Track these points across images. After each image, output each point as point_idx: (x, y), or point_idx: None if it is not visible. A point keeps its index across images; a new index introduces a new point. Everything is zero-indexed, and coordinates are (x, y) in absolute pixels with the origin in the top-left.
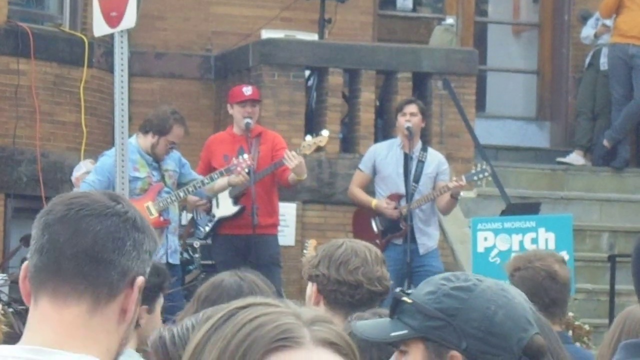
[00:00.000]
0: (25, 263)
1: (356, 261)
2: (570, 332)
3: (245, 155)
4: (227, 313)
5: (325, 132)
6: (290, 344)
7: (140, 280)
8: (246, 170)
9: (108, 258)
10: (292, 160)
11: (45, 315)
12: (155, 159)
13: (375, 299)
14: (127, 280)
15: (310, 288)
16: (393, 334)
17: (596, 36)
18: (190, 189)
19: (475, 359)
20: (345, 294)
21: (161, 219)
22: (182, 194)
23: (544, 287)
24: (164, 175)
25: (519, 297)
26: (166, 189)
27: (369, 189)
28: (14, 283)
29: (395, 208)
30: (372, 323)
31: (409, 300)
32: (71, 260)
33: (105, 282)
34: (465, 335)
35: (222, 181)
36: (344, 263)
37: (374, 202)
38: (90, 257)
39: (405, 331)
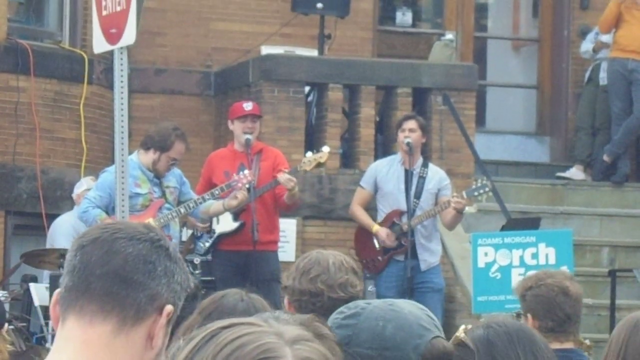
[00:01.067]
0: (58, 289)
1: (317, 269)
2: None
3: (246, 171)
4: (209, 333)
5: (325, 149)
6: None
7: (169, 308)
8: (247, 186)
9: (138, 279)
10: (288, 182)
11: (71, 334)
12: (157, 175)
13: (338, 305)
14: (155, 305)
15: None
16: None
17: (594, 51)
18: (191, 205)
19: None
20: (308, 302)
21: None
22: (182, 210)
23: (558, 302)
24: (165, 192)
25: (409, 307)
26: (167, 205)
27: (371, 205)
28: (14, 300)
29: (394, 239)
30: None
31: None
32: (100, 279)
33: (132, 304)
34: (363, 357)
35: (217, 205)
36: (306, 272)
37: (374, 227)
38: (120, 277)
39: None
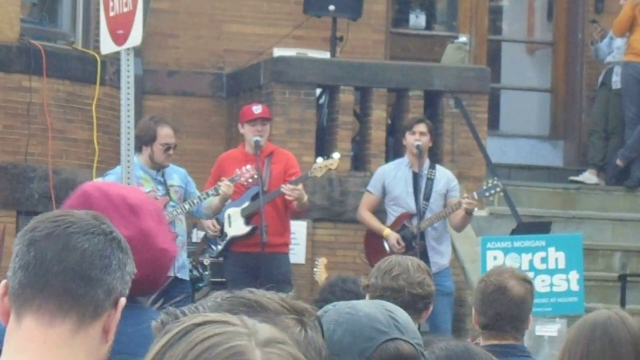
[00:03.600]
0: (4, 281)
1: (398, 269)
2: None
3: (249, 166)
4: (182, 329)
5: (336, 155)
6: None
7: (123, 301)
8: (250, 180)
9: (95, 276)
10: (292, 193)
11: (31, 334)
12: (161, 170)
13: (417, 301)
14: (111, 300)
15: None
16: None
17: (592, 44)
18: (195, 201)
19: None
20: (389, 298)
21: None
22: (187, 207)
23: (491, 300)
24: (169, 190)
25: (369, 309)
26: (172, 203)
27: (379, 208)
28: None
29: (404, 244)
30: None
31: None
32: (58, 276)
33: (91, 301)
34: None
35: (216, 200)
36: (388, 272)
37: (385, 231)
38: (78, 275)
39: None
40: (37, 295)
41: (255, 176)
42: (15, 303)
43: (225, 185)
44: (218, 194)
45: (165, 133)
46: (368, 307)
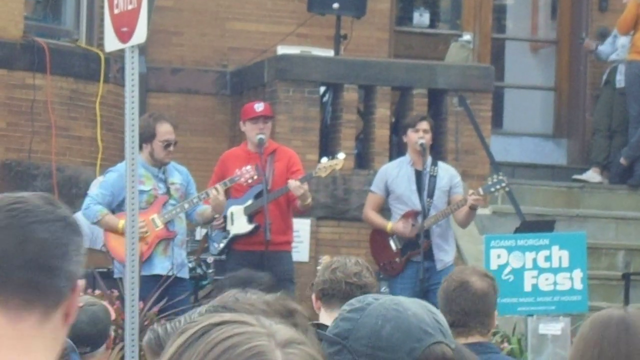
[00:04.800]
0: None
1: (336, 264)
2: None
3: (249, 167)
4: (200, 329)
5: (341, 155)
6: None
7: (81, 283)
8: (250, 180)
9: (56, 265)
10: (297, 191)
11: (0, 330)
12: (162, 168)
13: (355, 290)
14: (71, 286)
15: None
16: None
17: (592, 52)
18: (195, 200)
19: None
20: (329, 289)
21: (167, 230)
22: (186, 206)
23: (454, 297)
24: (169, 188)
25: (415, 308)
26: (172, 201)
27: (384, 207)
28: None
29: (413, 225)
30: None
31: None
32: (20, 269)
33: (54, 290)
34: (357, 354)
35: (208, 209)
36: (328, 267)
37: (389, 225)
38: (39, 266)
39: None
40: (1, 291)
41: (255, 177)
42: None
43: (214, 193)
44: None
45: (164, 130)
46: (414, 306)
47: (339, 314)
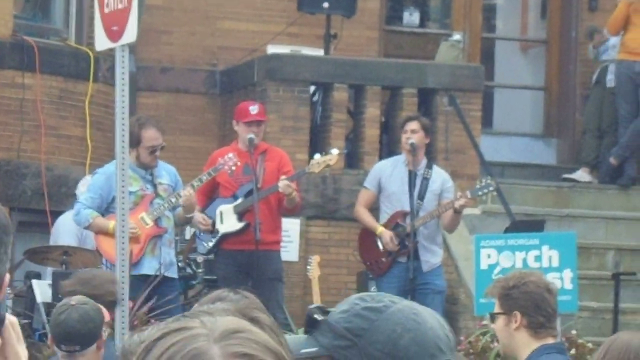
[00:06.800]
0: None
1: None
2: (573, 350)
3: (231, 154)
4: (144, 348)
5: (334, 151)
6: None
7: (7, 277)
8: (233, 168)
9: None
10: (287, 189)
11: None
12: (148, 170)
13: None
14: (1, 284)
15: None
16: (303, 350)
17: (594, 47)
18: (181, 194)
19: None
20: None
21: (157, 227)
22: (173, 200)
23: (545, 298)
24: (157, 188)
25: (432, 321)
26: (158, 200)
27: (375, 206)
28: (17, 297)
29: (397, 243)
30: (291, 338)
31: (320, 318)
32: None
33: None
34: (368, 356)
35: (180, 210)
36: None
37: (379, 229)
38: None
39: (315, 349)
40: None
41: (239, 163)
42: None
43: (186, 193)
44: (202, 184)
45: (149, 136)
46: (431, 319)
47: (349, 306)
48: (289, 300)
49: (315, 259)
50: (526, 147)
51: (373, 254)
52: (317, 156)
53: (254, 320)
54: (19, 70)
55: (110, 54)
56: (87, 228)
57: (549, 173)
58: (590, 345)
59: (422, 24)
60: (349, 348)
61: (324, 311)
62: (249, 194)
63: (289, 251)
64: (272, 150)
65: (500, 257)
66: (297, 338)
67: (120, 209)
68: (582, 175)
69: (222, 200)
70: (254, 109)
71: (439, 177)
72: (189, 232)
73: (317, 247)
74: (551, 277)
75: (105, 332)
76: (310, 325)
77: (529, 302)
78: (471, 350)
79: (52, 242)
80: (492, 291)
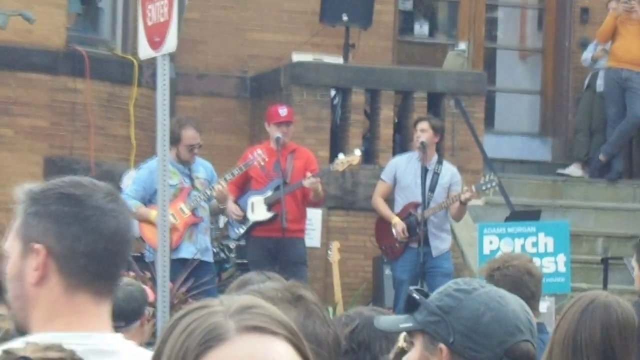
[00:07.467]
0: None
1: None
2: None
3: (259, 150)
4: (170, 325)
5: (357, 152)
6: (214, 343)
7: None
8: (262, 163)
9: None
10: (313, 185)
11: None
12: (186, 165)
13: None
14: None
15: None
16: (401, 325)
17: (594, 59)
18: (213, 188)
19: (460, 353)
20: None
21: (194, 216)
22: (208, 192)
23: (524, 281)
24: (194, 182)
25: (515, 306)
26: (195, 192)
27: (390, 197)
28: None
29: (408, 235)
30: (391, 317)
31: (417, 297)
32: (117, 255)
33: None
34: (454, 331)
35: (214, 201)
36: None
37: (394, 219)
38: (124, 253)
39: (410, 324)
40: (102, 275)
41: (267, 159)
42: None
43: (218, 187)
44: (234, 177)
45: (188, 135)
46: (515, 303)
47: (443, 288)
48: (312, 281)
49: (335, 245)
50: (524, 145)
51: (388, 240)
52: (341, 156)
53: (299, 297)
54: (71, 76)
55: (152, 62)
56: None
57: (545, 168)
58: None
59: (431, 34)
60: (439, 323)
61: (421, 292)
62: (277, 187)
63: (312, 238)
64: (300, 150)
65: (501, 243)
66: (397, 317)
67: (161, 200)
68: (574, 170)
69: (254, 192)
70: (283, 111)
71: (448, 172)
72: (222, 220)
73: (337, 234)
74: (546, 262)
75: (148, 311)
76: (409, 304)
77: (507, 284)
78: None
79: None
80: (482, 271)
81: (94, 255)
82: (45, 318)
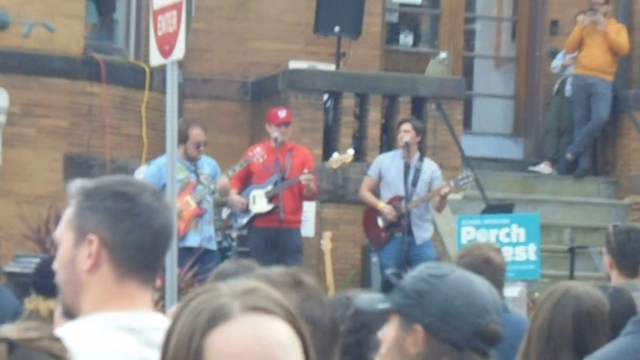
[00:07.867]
0: None
1: None
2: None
3: (258, 148)
4: (182, 306)
5: (350, 151)
6: (220, 320)
7: None
8: (260, 160)
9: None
10: (308, 181)
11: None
12: (193, 162)
13: None
14: None
15: None
16: (379, 306)
17: (564, 66)
18: (216, 182)
19: (434, 334)
20: None
21: (199, 208)
22: (212, 187)
23: (481, 270)
24: (199, 177)
25: (483, 289)
26: (200, 186)
27: (375, 192)
28: None
29: (396, 213)
30: (369, 296)
31: (393, 281)
32: (163, 249)
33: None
34: (428, 313)
35: (217, 194)
36: None
37: (380, 204)
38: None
39: (387, 305)
40: (149, 267)
41: (265, 156)
42: None
43: (219, 182)
44: (235, 173)
45: (195, 133)
46: (482, 286)
47: (417, 272)
48: (306, 268)
49: (327, 235)
50: (499, 145)
51: (374, 230)
52: (335, 154)
53: (300, 282)
54: (88, 81)
55: (162, 68)
56: None
57: (517, 166)
58: None
59: (415, 44)
60: (414, 306)
61: (398, 276)
62: (276, 182)
63: (307, 228)
64: (297, 148)
65: (477, 234)
66: (375, 296)
67: (170, 193)
68: (544, 167)
69: (255, 186)
70: (282, 113)
71: (429, 168)
72: (225, 212)
73: (329, 225)
74: (519, 250)
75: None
76: (386, 286)
77: (468, 271)
78: None
79: None
80: (453, 259)
81: (143, 247)
82: (98, 301)
